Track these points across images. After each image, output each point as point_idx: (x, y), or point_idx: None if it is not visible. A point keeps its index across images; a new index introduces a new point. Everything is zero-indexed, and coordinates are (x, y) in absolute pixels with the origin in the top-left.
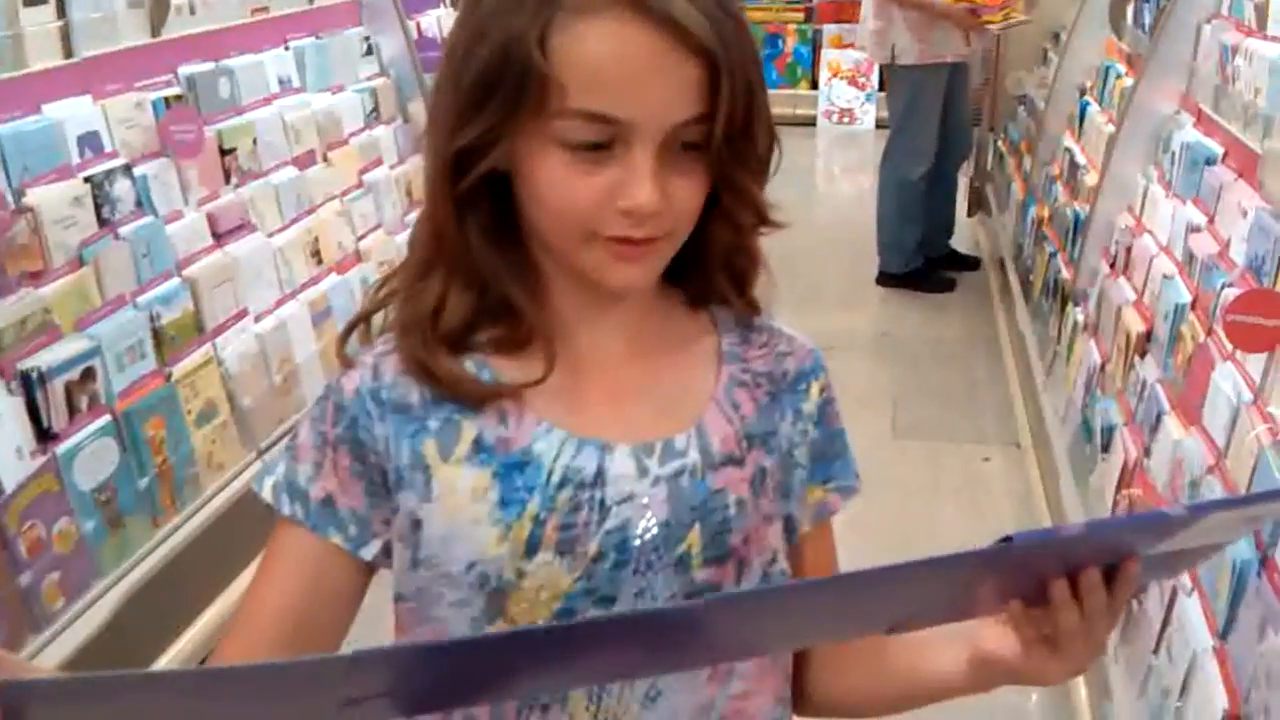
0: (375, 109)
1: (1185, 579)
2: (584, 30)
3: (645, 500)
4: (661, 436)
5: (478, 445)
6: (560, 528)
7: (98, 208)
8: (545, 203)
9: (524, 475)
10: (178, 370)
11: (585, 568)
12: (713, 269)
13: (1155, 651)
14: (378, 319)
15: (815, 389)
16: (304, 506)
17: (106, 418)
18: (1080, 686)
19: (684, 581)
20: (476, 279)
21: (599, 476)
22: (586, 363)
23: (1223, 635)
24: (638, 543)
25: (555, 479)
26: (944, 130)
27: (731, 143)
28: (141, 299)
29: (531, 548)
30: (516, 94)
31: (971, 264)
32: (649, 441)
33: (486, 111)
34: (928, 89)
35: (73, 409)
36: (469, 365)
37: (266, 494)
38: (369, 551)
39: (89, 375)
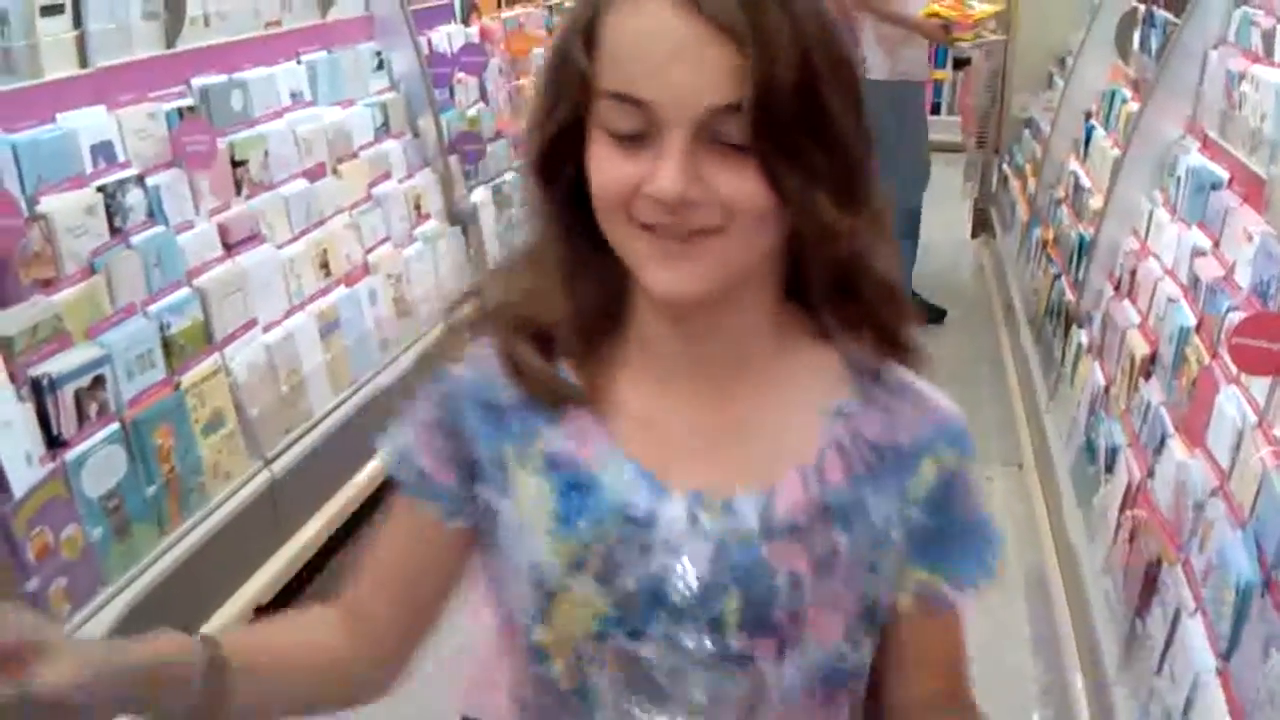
0: (385, 123)
1: (1189, 599)
2: (620, 14)
3: (687, 553)
4: (725, 494)
5: (548, 458)
6: (604, 556)
7: (110, 217)
8: (593, 188)
9: (581, 497)
10: (186, 379)
11: (622, 599)
12: (815, 294)
13: (1158, 672)
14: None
15: (931, 467)
16: (409, 474)
17: (115, 425)
18: (1083, 708)
19: (717, 641)
20: (568, 283)
21: (650, 518)
22: (674, 392)
23: (1226, 656)
24: (675, 597)
25: (609, 509)
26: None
27: (782, 142)
28: (152, 308)
29: (576, 566)
30: (567, 82)
31: (931, 314)
32: (710, 494)
33: (555, 106)
34: (912, 105)
35: (82, 416)
36: (557, 371)
37: (384, 456)
38: (461, 523)
39: (99, 383)
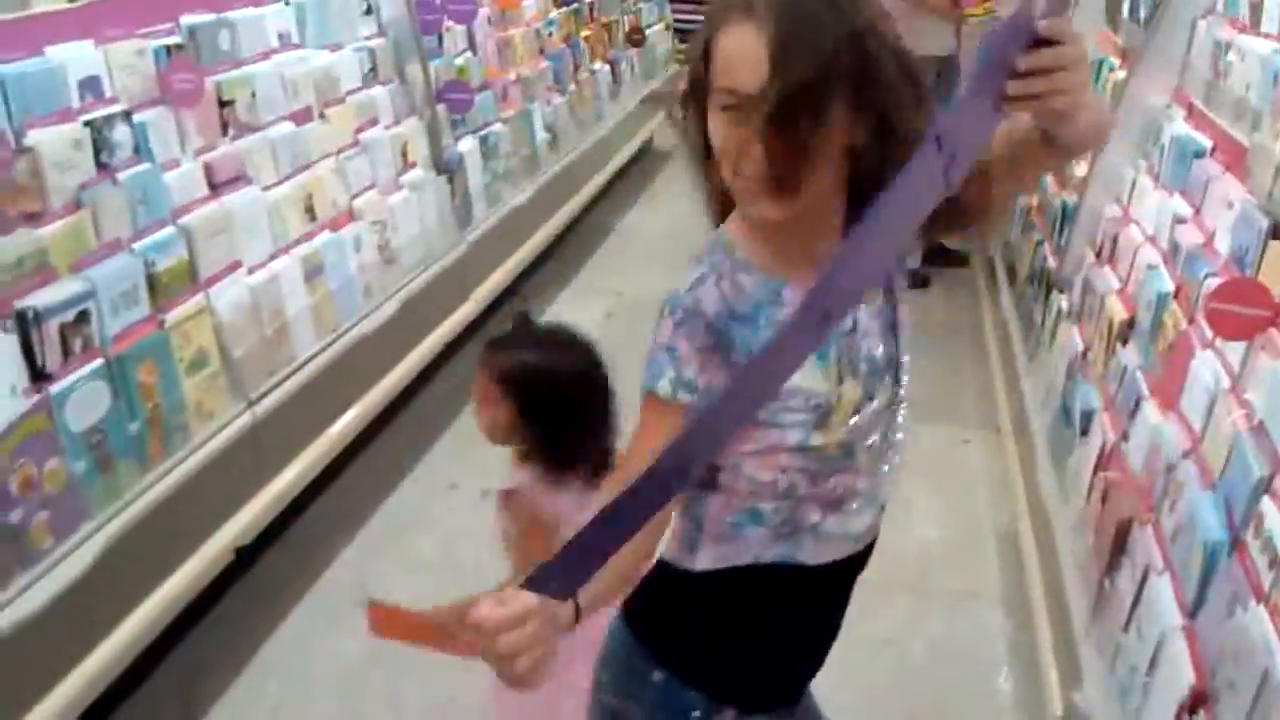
0: (373, 69)
1: (1157, 558)
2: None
3: (878, 336)
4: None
5: None
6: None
7: (96, 152)
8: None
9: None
10: (171, 318)
11: (867, 384)
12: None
13: (1125, 629)
14: None
15: None
16: (692, 394)
17: (99, 361)
18: (1051, 665)
19: (895, 383)
20: None
21: (855, 325)
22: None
23: (1192, 614)
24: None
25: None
26: None
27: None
28: (137, 245)
29: (839, 379)
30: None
31: (956, 260)
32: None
33: None
34: (934, 81)
35: (67, 351)
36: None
37: (663, 390)
38: None
39: (83, 318)
